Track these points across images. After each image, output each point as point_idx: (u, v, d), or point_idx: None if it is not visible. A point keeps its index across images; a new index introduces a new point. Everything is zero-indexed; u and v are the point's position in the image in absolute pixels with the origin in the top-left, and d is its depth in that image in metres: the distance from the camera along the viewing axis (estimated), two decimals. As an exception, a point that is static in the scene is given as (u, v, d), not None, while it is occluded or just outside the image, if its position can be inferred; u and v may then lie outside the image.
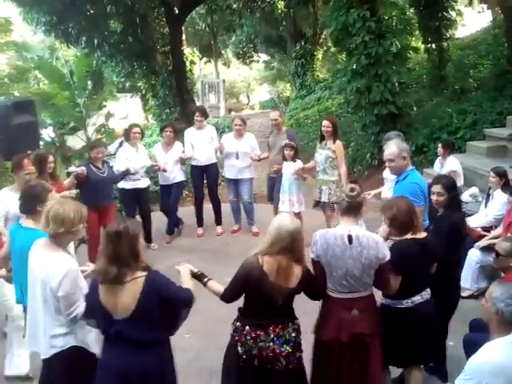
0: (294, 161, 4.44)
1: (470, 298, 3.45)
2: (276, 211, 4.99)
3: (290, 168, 4.45)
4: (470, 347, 2.06)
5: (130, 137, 4.60)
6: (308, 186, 4.70)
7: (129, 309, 1.78)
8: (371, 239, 2.00)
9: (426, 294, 2.25)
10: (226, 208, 5.28)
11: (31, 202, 2.36)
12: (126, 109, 17.33)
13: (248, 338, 1.92)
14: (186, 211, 5.51)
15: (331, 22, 6.57)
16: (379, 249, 1.99)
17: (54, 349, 2.02)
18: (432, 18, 7.72)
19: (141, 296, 1.78)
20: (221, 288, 2.03)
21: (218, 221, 5.14)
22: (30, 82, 9.86)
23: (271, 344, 1.91)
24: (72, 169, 4.28)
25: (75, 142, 7.81)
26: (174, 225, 5.10)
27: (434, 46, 7.97)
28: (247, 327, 1.93)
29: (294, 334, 1.98)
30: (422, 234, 2.24)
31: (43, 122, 7.49)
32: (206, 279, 2.09)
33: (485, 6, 11.52)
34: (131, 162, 4.51)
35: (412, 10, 8.08)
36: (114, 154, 4.97)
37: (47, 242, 2.05)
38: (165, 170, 4.71)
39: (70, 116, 7.99)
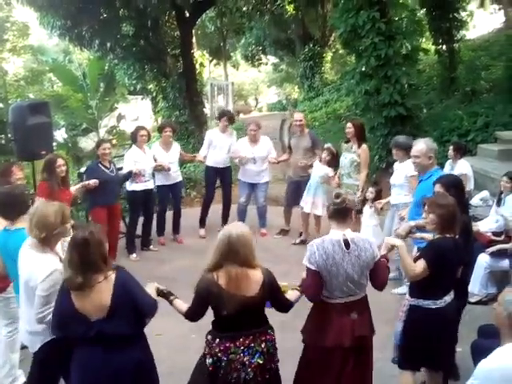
0: (328, 166, 4.38)
1: (479, 304, 3.40)
2: (287, 214, 4.92)
3: (319, 171, 4.40)
4: (479, 353, 2.03)
5: (137, 139, 4.60)
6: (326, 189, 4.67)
7: (104, 308, 1.83)
8: (366, 241, 2.06)
9: (452, 293, 2.27)
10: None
11: (11, 207, 2.33)
12: (137, 111, 17.49)
13: (217, 350, 1.92)
14: (194, 212, 5.50)
15: (340, 23, 6.55)
16: (373, 250, 2.05)
17: (44, 339, 2.08)
18: (442, 19, 7.65)
19: (113, 293, 1.84)
20: (184, 307, 2.03)
21: (226, 221, 5.17)
22: (45, 84, 10.08)
23: (241, 355, 1.90)
24: (83, 169, 4.33)
25: (87, 143, 7.93)
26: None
27: (444, 47, 7.89)
28: (217, 340, 1.94)
29: (264, 345, 1.94)
30: (457, 235, 2.25)
31: (56, 123, 7.63)
32: (172, 297, 2.09)
33: (497, 7, 11.37)
34: (140, 164, 4.53)
35: (422, 12, 8.03)
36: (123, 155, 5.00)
37: (35, 242, 2.10)
38: (169, 169, 4.71)
39: (82, 118, 8.11)
